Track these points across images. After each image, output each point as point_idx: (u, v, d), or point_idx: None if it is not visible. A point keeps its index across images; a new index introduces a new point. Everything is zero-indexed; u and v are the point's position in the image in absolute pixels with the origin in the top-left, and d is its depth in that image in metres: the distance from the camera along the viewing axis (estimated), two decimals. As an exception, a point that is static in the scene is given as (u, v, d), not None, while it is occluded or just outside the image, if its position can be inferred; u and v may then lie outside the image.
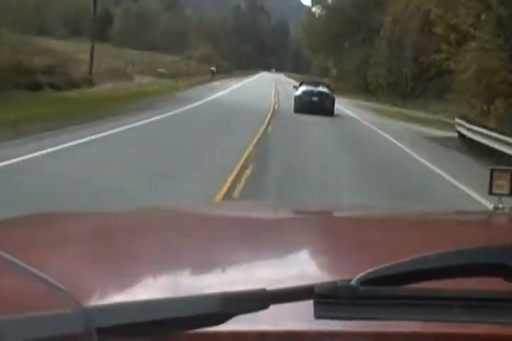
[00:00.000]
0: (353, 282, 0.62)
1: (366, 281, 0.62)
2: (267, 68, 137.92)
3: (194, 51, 65.91)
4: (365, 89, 43.22)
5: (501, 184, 1.74)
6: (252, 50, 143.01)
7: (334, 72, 50.18)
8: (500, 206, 1.74)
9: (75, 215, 1.57)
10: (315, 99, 21.19)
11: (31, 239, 1.23)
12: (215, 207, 2.20)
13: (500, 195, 1.76)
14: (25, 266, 0.59)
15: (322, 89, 22.50)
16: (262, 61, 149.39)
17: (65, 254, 1.07)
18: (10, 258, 0.59)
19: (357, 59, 44.71)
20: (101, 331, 0.56)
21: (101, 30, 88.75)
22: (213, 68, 49.09)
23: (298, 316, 0.71)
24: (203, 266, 1.01)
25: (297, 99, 21.42)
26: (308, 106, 20.82)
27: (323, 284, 0.62)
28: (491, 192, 1.76)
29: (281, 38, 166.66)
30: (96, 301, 0.77)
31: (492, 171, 1.77)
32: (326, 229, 1.46)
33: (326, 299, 0.61)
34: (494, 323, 0.63)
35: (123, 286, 0.88)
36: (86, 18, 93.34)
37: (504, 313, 0.62)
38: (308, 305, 0.62)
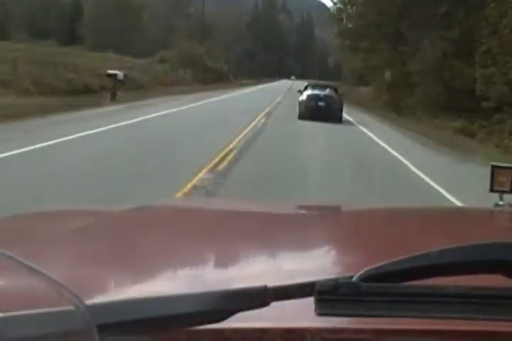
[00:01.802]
0: (354, 279, 0.62)
1: (367, 278, 0.62)
2: (289, 75, 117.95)
3: (170, 52, 45.79)
4: (457, 106, 22.26)
5: (502, 181, 1.73)
6: (271, 54, 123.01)
7: (387, 75, 29.37)
8: (501, 203, 1.74)
9: (76, 213, 1.59)
10: (321, 104, 19.72)
11: (33, 236, 1.23)
12: (215, 204, 2.16)
13: (501, 192, 1.74)
14: (27, 263, 0.59)
15: (329, 93, 20.85)
16: (283, 67, 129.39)
17: (66, 251, 1.08)
18: (11, 255, 0.59)
19: (435, 50, 23.83)
20: (102, 328, 0.56)
21: (69, 28, 70.70)
22: (117, 72, 22.03)
23: (299, 313, 0.71)
24: (203, 263, 1.02)
25: (302, 104, 19.90)
26: (313, 111, 19.29)
27: (324, 281, 0.62)
28: (492, 189, 1.75)
29: (306, 40, 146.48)
30: (97, 298, 0.76)
31: (493, 168, 1.76)
32: (327, 226, 1.45)
33: (327, 296, 0.61)
34: (495, 320, 0.63)
35: (124, 283, 0.89)
36: (55, 17, 75.17)
37: (505, 310, 0.62)
38: (309, 301, 0.62)
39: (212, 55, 54.98)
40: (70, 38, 63.39)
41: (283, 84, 77.53)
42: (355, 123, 19.97)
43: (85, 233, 1.24)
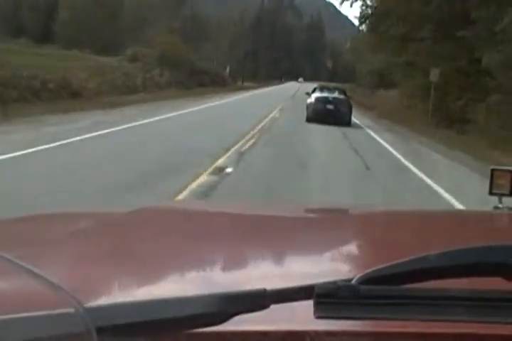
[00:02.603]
0: (353, 282, 0.62)
1: (367, 281, 0.62)
2: (297, 77, 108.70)
3: (146, 49, 36.32)
4: None
5: (502, 184, 1.73)
6: (278, 54, 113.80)
7: (435, 74, 19.96)
8: (500, 206, 1.72)
9: (75, 215, 1.58)
10: (330, 106, 19.05)
11: (32, 238, 1.22)
12: (215, 206, 2.15)
13: (501, 195, 1.73)
14: (26, 265, 0.59)
15: (338, 95, 20.10)
16: (291, 68, 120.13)
17: (65, 254, 1.07)
18: (11, 257, 0.59)
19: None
20: (101, 330, 0.55)
21: (44, 25, 61.43)
22: None
23: (298, 316, 0.70)
24: (203, 266, 1.01)
25: (310, 106, 19.16)
26: (322, 114, 18.64)
27: (323, 284, 0.62)
28: (491, 192, 1.73)
29: (316, 40, 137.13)
30: (96, 301, 0.75)
31: (492, 171, 1.74)
32: (326, 229, 1.45)
33: (326, 299, 0.61)
34: (496, 323, 0.63)
35: (123, 286, 0.88)
36: (28, 12, 65.94)
37: (505, 313, 0.61)
38: (308, 304, 0.62)
39: (206, 54, 45.57)
40: (45, 35, 54.76)
41: (289, 87, 68.11)
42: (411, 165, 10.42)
43: (85, 235, 1.22)
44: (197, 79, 38.69)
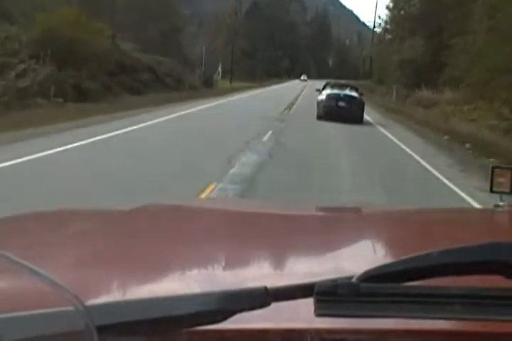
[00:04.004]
0: (354, 279, 0.61)
1: (367, 279, 0.61)
2: (301, 74, 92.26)
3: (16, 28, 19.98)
4: None
5: (502, 182, 1.70)
6: (280, 49, 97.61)
7: None
8: (501, 204, 1.70)
9: (76, 213, 1.56)
10: (341, 104, 18.24)
11: (32, 236, 1.20)
12: (217, 205, 2.11)
13: (501, 193, 1.71)
14: (27, 263, 0.57)
15: (349, 92, 19.36)
16: (295, 64, 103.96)
17: (66, 252, 1.06)
18: (11, 256, 0.58)
19: None
20: (101, 329, 0.55)
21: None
22: None
23: (299, 314, 0.69)
24: (204, 264, 1.00)
25: (321, 104, 18.56)
26: (333, 112, 17.90)
27: (323, 282, 0.61)
28: (491, 190, 1.72)
29: (321, 34, 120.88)
30: (97, 299, 0.74)
31: (493, 169, 1.72)
32: (327, 227, 1.44)
33: (326, 297, 0.60)
34: (496, 321, 0.62)
35: (124, 284, 0.87)
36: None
37: (505, 311, 0.60)
38: (309, 302, 0.61)
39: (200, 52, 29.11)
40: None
41: (288, 88, 51.75)
42: None
43: (86, 233, 1.20)
44: (127, 81, 22.52)
